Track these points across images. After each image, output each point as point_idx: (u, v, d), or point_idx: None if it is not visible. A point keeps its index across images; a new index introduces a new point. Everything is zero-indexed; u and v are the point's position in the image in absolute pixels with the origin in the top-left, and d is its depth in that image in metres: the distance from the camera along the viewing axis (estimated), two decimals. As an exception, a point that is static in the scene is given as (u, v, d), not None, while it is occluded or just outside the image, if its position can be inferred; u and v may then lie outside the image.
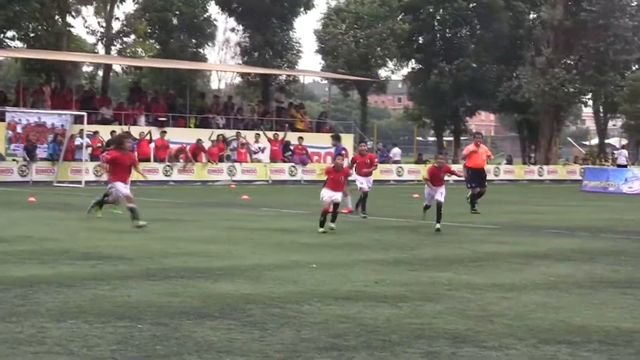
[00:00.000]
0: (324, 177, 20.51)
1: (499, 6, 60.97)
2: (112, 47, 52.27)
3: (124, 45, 52.02)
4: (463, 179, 25.89)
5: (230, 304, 10.75)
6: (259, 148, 46.20)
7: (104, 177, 26.81)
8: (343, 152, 24.61)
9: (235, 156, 45.24)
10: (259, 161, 45.84)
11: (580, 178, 49.05)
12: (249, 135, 46.43)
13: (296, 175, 45.96)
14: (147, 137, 42.52)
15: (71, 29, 52.19)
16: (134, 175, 21.91)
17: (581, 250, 17.48)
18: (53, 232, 18.52)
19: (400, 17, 61.96)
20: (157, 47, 53.74)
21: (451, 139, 68.90)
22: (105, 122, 43.74)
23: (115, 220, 21.28)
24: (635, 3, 60.69)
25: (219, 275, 12.94)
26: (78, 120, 40.54)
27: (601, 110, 73.80)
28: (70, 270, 13.20)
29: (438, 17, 63.24)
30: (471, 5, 62.37)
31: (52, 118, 40.82)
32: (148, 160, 41.25)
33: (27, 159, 38.92)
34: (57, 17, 49.04)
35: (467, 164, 26.04)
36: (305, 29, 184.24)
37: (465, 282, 12.87)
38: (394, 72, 67.53)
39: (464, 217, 24.19)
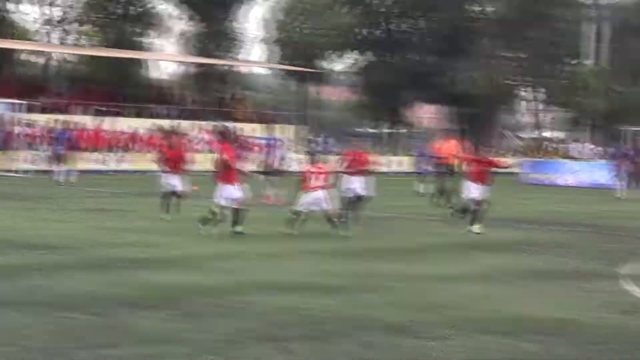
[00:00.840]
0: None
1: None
2: (53, 35, 51.59)
3: (65, 33, 51.37)
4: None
5: (168, 294, 10.70)
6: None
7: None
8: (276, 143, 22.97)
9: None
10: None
11: (519, 171, 49.50)
12: (189, 126, 46.09)
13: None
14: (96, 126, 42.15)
15: (11, 15, 51.40)
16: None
17: (527, 242, 17.60)
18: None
19: (345, 9, 61.97)
20: (99, 35, 53.14)
21: (393, 131, 69.06)
22: (44, 110, 43.15)
23: (55, 210, 21.04)
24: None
25: (158, 266, 12.87)
26: (17, 109, 39.95)
27: (539, 102, 74.42)
28: (7, 260, 13.03)
29: (383, 10, 63.43)
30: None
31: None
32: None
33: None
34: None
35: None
36: (250, 18, 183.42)
37: (403, 273, 12.93)
38: (336, 63, 67.53)
39: (407, 209, 24.29)
